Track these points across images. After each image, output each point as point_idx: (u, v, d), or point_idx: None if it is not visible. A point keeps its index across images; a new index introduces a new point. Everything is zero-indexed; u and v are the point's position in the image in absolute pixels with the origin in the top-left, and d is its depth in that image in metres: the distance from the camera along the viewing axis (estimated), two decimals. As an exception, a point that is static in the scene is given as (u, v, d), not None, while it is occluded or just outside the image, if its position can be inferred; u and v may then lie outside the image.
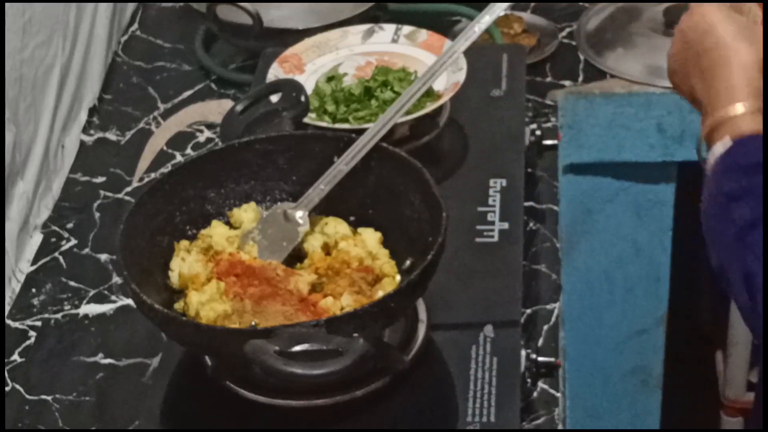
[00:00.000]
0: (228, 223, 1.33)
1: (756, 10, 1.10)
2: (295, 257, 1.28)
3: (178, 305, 1.24)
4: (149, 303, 1.15)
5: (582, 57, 1.90)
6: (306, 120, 1.43)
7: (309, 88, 1.52)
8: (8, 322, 1.42)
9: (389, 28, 1.68)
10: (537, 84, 1.82)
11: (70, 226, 1.57)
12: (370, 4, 1.81)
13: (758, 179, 0.98)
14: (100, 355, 1.37)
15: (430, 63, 1.46)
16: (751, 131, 1.03)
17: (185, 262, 1.26)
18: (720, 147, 1.04)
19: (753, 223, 0.96)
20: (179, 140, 1.71)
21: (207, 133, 1.72)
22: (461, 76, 1.54)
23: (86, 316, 1.43)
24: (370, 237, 1.29)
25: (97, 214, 1.59)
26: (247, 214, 1.32)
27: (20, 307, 1.45)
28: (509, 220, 1.43)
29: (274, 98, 1.41)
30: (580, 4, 2.00)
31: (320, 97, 1.55)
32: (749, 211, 0.97)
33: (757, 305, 0.95)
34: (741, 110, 1.03)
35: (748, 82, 1.05)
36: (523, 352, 1.27)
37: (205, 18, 1.81)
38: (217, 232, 1.30)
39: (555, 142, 1.68)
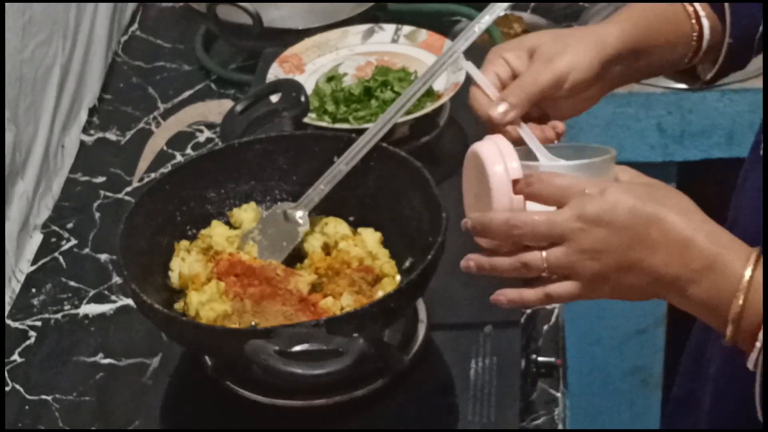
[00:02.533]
0: (228, 223, 1.33)
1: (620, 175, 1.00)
2: (295, 257, 1.28)
3: (178, 305, 1.24)
4: (149, 303, 1.15)
5: (582, 57, 1.89)
6: (306, 120, 1.43)
7: (309, 88, 1.52)
8: (8, 322, 1.42)
9: (389, 28, 1.68)
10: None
11: (70, 226, 1.57)
12: (370, 4, 1.81)
13: None
14: (100, 355, 1.37)
15: (430, 63, 1.46)
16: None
17: (185, 262, 1.26)
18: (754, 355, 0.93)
19: None
20: (179, 140, 1.71)
21: (207, 133, 1.72)
22: (461, 76, 1.54)
23: (86, 316, 1.43)
24: (370, 237, 1.29)
25: (97, 214, 1.59)
26: (247, 214, 1.32)
27: (20, 307, 1.45)
28: (509, 220, 1.43)
29: (274, 98, 1.41)
30: (580, 4, 2.00)
31: (320, 97, 1.55)
32: None
33: None
34: (749, 273, 0.93)
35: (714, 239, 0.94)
36: (523, 352, 1.27)
37: (205, 18, 1.81)
38: (217, 232, 1.30)
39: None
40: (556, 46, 1.08)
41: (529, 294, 0.98)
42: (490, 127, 1.08)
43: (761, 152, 1.10)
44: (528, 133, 1.07)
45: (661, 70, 1.19)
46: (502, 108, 1.07)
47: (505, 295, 0.99)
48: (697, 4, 1.15)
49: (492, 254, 0.98)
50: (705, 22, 1.14)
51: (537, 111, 1.10)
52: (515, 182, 0.96)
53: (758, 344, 0.92)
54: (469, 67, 1.11)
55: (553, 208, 0.95)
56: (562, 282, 0.96)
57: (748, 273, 0.92)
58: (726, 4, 1.15)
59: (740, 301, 0.92)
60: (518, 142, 1.04)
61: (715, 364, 1.17)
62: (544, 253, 0.94)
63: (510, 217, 0.95)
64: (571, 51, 1.08)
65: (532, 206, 0.96)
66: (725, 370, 1.15)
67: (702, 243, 0.93)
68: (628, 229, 0.93)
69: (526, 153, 1.02)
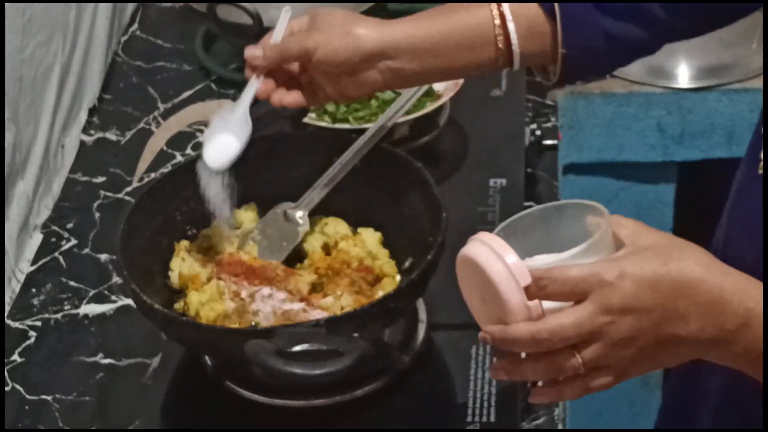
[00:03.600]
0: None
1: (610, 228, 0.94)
2: (295, 257, 1.28)
3: (178, 305, 1.24)
4: (149, 303, 1.15)
5: (582, 57, 1.89)
6: (306, 120, 1.43)
7: (309, 88, 1.52)
8: (8, 322, 1.42)
9: (389, 28, 1.68)
10: (537, 84, 1.81)
11: (70, 226, 1.57)
12: (370, 4, 1.81)
13: None
14: (100, 355, 1.37)
15: (430, 63, 1.46)
16: None
17: (185, 262, 1.26)
18: None
19: None
20: (179, 140, 1.70)
21: (207, 133, 1.71)
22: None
23: (86, 316, 1.43)
24: (370, 237, 1.29)
25: (97, 214, 1.58)
26: (247, 214, 1.32)
27: (20, 307, 1.44)
28: (509, 220, 1.43)
29: (274, 98, 1.41)
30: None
31: (320, 97, 1.55)
32: None
33: None
34: None
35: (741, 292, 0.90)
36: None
37: (205, 18, 1.81)
38: (217, 232, 1.30)
39: (555, 142, 1.68)
40: (320, 24, 1.16)
41: (570, 392, 0.93)
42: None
43: (761, 166, 1.08)
44: (252, 85, 1.18)
45: (464, 72, 1.22)
46: (257, 52, 1.18)
47: (546, 395, 0.95)
48: (505, 5, 1.14)
49: (520, 360, 0.93)
50: (511, 26, 1.14)
51: (306, 77, 1.19)
52: (526, 288, 0.89)
53: None
54: (286, 14, 1.21)
55: (569, 303, 0.90)
56: (601, 375, 0.92)
57: None
58: (556, 8, 1.13)
59: None
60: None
61: (716, 380, 1.16)
62: (578, 357, 0.90)
63: (536, 331, 0.89)
64: (325, 33, 1.15)
65: (546, 303, 0.90)
66: (728, 386, 1.13)
67: (733, 302, 0.89)
68: (655, 307, 0.89)
69: (509, 233, 0.94)
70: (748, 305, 0.89)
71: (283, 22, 1.19)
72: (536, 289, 0.89)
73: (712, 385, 1.16)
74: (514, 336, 0.89)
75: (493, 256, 0.89)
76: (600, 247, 0.91)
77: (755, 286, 0.90)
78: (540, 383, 0.94)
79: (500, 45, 1.14)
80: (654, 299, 0.88)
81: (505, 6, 1.14)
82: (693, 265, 0.89)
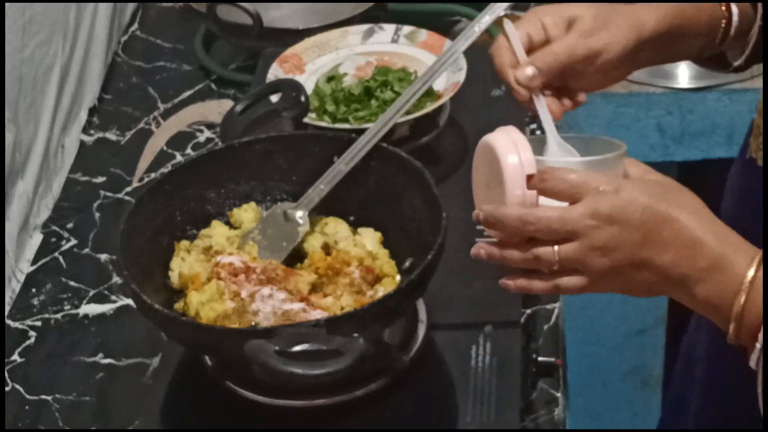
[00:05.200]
0: (228, 223, 1.33)
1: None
2: (295, 257, 1.28)
3: (178, 305, 1.24)
4: (149, 303, 1.15)
5: (582, 57, 1.89)
6: (306, 120, 1.43)
7: (309, 88, 1.52)
8: (8, 322, 1.42)
9: (389, 28, 1.68)
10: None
11: (70, 226, 1.57)
12: (370, 4, 1.81)
13: None
14: (100, 355, 1.37)
15: (430, 63, 1.46)
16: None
17: (185, 262, 1.26)
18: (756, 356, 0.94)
19: None
20: (179, 140, 1.71)
21: (207, 133, 1.72)
22: (461, 76, 1.54)
23: (86, 316, 1.43)
24: (370, 237, 1.29)
25: (97, 214, 1.59)
26: (247, 214, 1.32)
27: (20, 307, 1.45)
28: (509, 220, 1.43)
29: (274, 98, 1.41)
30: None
31: (320, 97, 1.55)
32: None
33: None
34: (752, 273, 0.93)
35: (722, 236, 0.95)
36: (524, 352, 1.27)
37: (205, 18, 1.81)
38: (217, 232, 1.30)
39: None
40: (596, 22, 1.09)
41: (539, 284, 0.99)
42: (507, 86, 1.09)
43: (746, 155, 1.10)
44: (543, 105, 1.08)
45: (688, 55, 1.19)
46: (530, 71, 1.08)
47: (515, 282, 1.00)
48: None
49: (503, 245, 0.98)
50: (734, 9, 1.14)
51: (558, 81, 1.11)
52: (529, 177, 0.96)
53: (758, 345, 0.92)
54: (508, 24, 1.12)
55: (565, 204, 0.95)
56: (571, 276, 0.97)
57: (750, 273, 0.93)
58: None
59: (742, 300, 0.92)
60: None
61: (702, 367, 1.17)
62: (556, 248, 0.95)
63: (523, 213, 0.95)
64: (611, 29, 1.08)
65: (544, 201, 0.96)
66: (711, 372, 1.15)
67: (710, 243, 0.93)
68: (640, 227, 0.93)
69: (537, 143, 1.02)
70: (723, 250, 0.93)
71: (515, 35, 1.11)
72: (537, 181, 0.95)
73: (698, 373, 1.17)
74: (503, 214, 0.95)
75: (511, 147, 0.97)
76: (609, 168, 0.97)
77: (734, 236, 0.95)
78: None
79: (723, 27, 1.14)
80: (641, 220, 0.93)
81: None
82: (686, 204, 0.95)
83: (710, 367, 1.15)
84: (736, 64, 1.19)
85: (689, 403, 1.21)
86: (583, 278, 0.96)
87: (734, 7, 1.14)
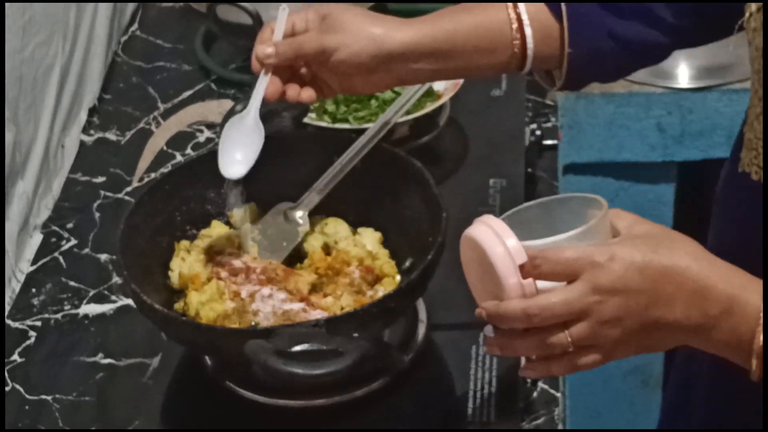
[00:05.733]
0: (228, 223, 1.33)
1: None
2: (295, 257, 1.28)
3: (178, 305, 1.24)
4: (149, 303, 1.15)
5: (582, 57, 1.89)
6: (306, 120, 1.43)
7: (309, 88, 1.52)
8: (8, 322, 1.42)
9: (389, 28, 1.68)
10: (537, 84, 1.81)
11: (70, 226, 1.57)
12: (370, 5, 1.81)
13: None
14: (100, 355, 1.37)
15: (430, 63, 1.46)
16: None
17: (185, 262, 1.26)
18: None
19: None
20: (179, 140, 1.71)
21: (207, 133, 1.72)
22: (461, 76, 1.54)
23: (86, 316, 1.43)
24: (370, 237, 1.29)
25: (97, 214, 1.59)
26: (247, 214, 1.32)
27: (20, 307, 1.45)
28: (509, 220, 1.43)
29: (274, 98, 1.41)
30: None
31: (320, 97, 1.55)
32: None
33: None
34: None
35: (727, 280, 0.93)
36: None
37: (205, 18, 1.81)
38: (217, 232, 1.30)
39: (555, 142, 1.68)
40: (338, 24, 1.14)
41: (558, 368, 0.96)
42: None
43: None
44: (263, 82, 1.17)
45: (479, 74, 1.21)
46: (269, 50, 1.17)
47: (535, 370, 0.97)
48: (521, 7, 1.14)
49: (512, 335, 0.95)
50: (528, 30, 1.14)
51: (309, 74, 1.18)
52: (522, 266, 0.93)
53: None
54: (283, 11, 1.19)
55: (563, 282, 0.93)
56: (588, 354, 0.94)
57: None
58: (563, 8, 1.14)
59: (761, 339, 0.91)
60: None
61: (705, 377, 1.17)
62: (567, 334, 0.93)
63: (526, 307, 0.92)
64: (347, 35, 1.13)
65: (541, 283, 0.94)
66: (715, 381, 1.14)
67: (717, 289, 0.91)
68: (642, 290, 0.91)
69: (516, 221, 0.97)
70: (731, 292, 0.91)
71: (282, 20, 1.19)
72: (531, 268, 0.92)
73: (712, 384, 1.17)
74: (507, 311, 0.93)
75: (494, 237, 0.93)
76: (596, 234, 0.94)
77: (739, 275, 0.93)
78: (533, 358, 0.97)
79: (516, 49, 1.15)
80: (642, 283, 0.91)
81: (521, 7, 1.14)
82: (682, 253, 0.92)
83: (714, 377, 1.15)
84: (557, 86, 1.20)
85: (693, 411, 1.21)
86: (599, 351, 0.95)
87: (527, 28, 1.14)
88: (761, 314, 0.90)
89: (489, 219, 0.95)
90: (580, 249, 0.92)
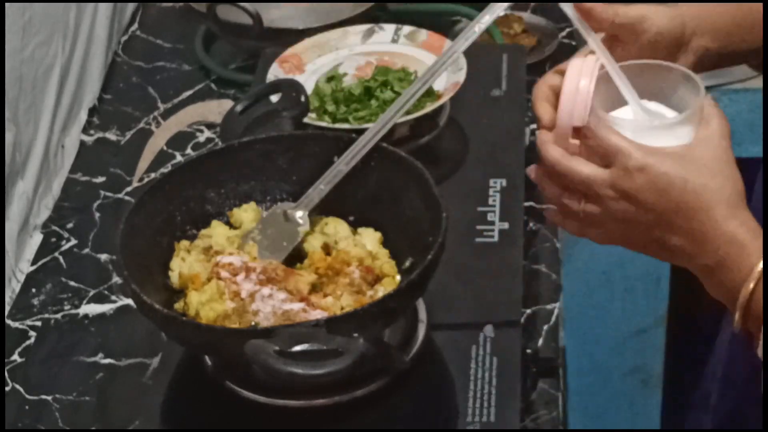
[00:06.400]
0: (228, 223, 1.32)
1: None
2: (295, 257, 1.28)
3: (178, 305, 1.24)
4: (149, 303, 1.15)
5: (582, 57, 1.89)
6: (306, 120, 1.43)
7: (309, 88, 1.52)
8: (8, 322, 1.42)
9: (389, 28, 1.68)
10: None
11: (70, 226, 1.57)
12: (370, 4, 1.81)
13: None
14: (100, 355, 1.37)
15: (430, 63, 1.46)
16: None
17: (185, 262, 1.26)
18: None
19: None
20: (179, 140, 1.71)
21: (207, 133, 1.72)
22: (461, 76, 1.54)
23: (86, 316, 1.43)
24: (370, 237, 1.29)
25: (97, 214, 1.59)
26: (247, 214, 1.32)
27: (20, 307, 1.45)
28: (509, 220, 1.43)
29: (274, 98, 1.41)
30: (580, 4, 2.00)
31: (320, 97, 1.55)
32: None
33: None
34: (761, 266, 0.95)
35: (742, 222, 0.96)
36: (523, 352, 1.27)
37: (205, 18, 1.81)
38: (217, 232, 1.30)
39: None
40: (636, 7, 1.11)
41: (570, 227, 1.05)
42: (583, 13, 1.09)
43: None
44: (598, 43, 1.07)
45: (743, 59, 1.21)
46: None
47: (553, 217, 1.06)
48: None
49: (545, 172, 1.04)
50: None
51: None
52: (576, 129, 1.00)
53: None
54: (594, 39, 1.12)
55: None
56: (597, 229, 1.02)
57: (760, 265, 0.94)
58: None
59: (750, 287, 0.94)
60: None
61: (716, 380, 1.18)
62: (582, 205, 1.01)
63: (558, 162, 1.01)
64: (654, 8, 1.10)
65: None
66: (729, 370, 1.15)
67: (716, 241, 0.96)
68: (652, 210, 0.97)
69: (633, 71, 1.03)
70: (728, 250, 0.95)
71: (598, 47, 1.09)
72: (581, 134, 1.00)
73: (711, 384, 1.17)
74: (546, 152, 1.02)
75: (584, 101, 1.00)
76: (680, 127, 0.99)
77: (746, 228, 0.96)
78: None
79: None
80: (655, 203, 0.96)
81: None
82: (708, 197, 0.96)
83: (729, 365, 1.17)
84: None
85: (708, 403, 1.22)
86: (606, 235, 1.02)
87: None
88: (757, 268, 0.94)
89: (591, 64, 1.02)
90: (625, 143, 0.97)
